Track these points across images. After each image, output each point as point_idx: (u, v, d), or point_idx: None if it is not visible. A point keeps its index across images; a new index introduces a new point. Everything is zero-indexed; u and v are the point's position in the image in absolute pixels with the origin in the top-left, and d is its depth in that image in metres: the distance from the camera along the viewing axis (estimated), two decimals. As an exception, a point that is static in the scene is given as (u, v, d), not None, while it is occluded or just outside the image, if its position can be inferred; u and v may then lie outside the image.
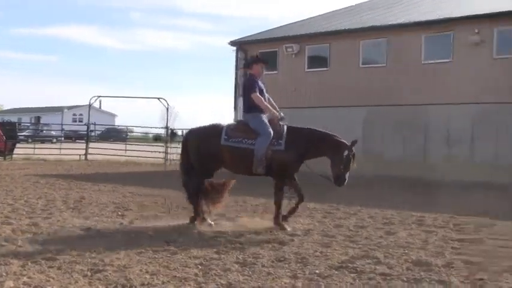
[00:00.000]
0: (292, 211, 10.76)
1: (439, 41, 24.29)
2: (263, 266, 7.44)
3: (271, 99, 10.97)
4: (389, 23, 26.14)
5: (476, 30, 22.96)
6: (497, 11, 23.10)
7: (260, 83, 10.83)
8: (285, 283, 6.62)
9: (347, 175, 10.37)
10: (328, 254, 8.31)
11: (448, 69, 23.83)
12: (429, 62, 24.43)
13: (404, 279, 6.96)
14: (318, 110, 26.89)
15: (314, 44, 28.27)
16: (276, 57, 29.19)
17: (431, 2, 28.65)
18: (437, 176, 22.08)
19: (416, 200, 15.85)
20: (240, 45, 30.85)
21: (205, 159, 10.70)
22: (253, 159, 10.38)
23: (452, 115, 23.48)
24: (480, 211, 13.56)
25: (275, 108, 10.76)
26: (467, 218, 12.50)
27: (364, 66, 26.53)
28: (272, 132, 10.42)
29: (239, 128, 10.71)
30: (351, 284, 6.70)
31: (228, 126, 10.81)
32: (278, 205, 10.60)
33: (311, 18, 32.88)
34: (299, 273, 7.08)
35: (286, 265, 7.53)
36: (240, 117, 11.92)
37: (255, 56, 11.40)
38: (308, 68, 28.41)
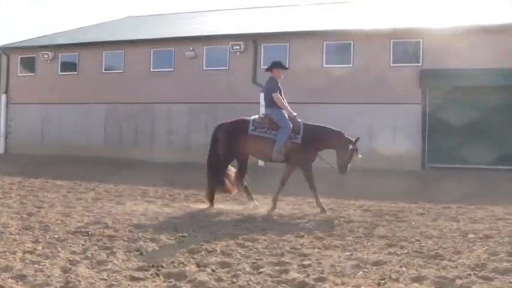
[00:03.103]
0: (317, 200, 10.20)
1: (164, 54, 24.65)
2: (11, 234, 7.08)
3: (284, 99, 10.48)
4: (126, 38, 26.02)
5: (191, 48, 23.70)
6: (207, 34, 24.11)
7: (279, 84, 10.41)
8: (28, 247, 6.38)
9: (349, 165, 10.20)
10: (67, 221, 8.13)
11: (171, 76, 24.28)
12: (156, 70, 24.71)
13: (126, 239, 7.04)
14: (69, 105, 26.09)
15: (66, 52, 27.20)
16: (34, 61, 27.72)
17: (159, 24, 29.00)
18: (162, 158, 22.47)
19: (146, 177, 15.90)
20: (4, 50, 28.72)
21: (235, 147, 10.18)
22: (274, 147, 10.00)
23: (172, 112, 24.06)
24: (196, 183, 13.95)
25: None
26: (183, 191, 12.84)
27: (106, 72, 26.08)
28: (291, 126, 10.06)
29: (264, 120, 10.21)
30: (83, 244, 6.64)
31: (255, 119, 10.31)
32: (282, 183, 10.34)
33: (65, 31, 31.51)
34: (40, 239, 6.87)
35: (31, 232, 7.25)
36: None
37: (276, 62, 10.69)
38: (61, 71, 27.29)
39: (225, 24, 26.36)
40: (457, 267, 5.84)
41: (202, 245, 6.73)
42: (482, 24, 19.92)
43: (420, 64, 20.82)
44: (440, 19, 21.32)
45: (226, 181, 10.44)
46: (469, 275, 5.49)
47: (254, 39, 22.77)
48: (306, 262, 5.98)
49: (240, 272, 5.49)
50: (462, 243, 7.12)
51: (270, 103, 10.37)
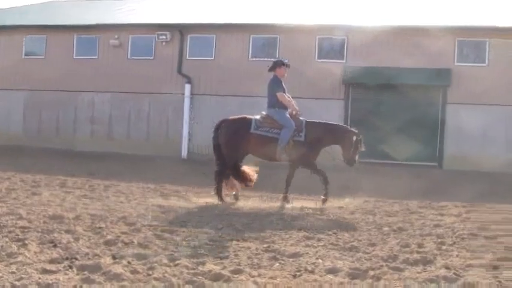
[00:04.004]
0: (325, 195, 10.39)
1: (88, 41, 23.99)
2: None
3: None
4: (49, 23, 25.03)
5: (116, 36, 23.21)
6: (133, 22, 23.68)
7: (283, 83, 10.16)
8: None
9: (357, 157, 10.16)
10: (-28, 213, 7.78)
11: (94, 64, 23.70)
12: (79, 57, 24.03)
13: (39, 230, 6.80)
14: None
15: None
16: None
17: (83, 10, 28.10)
18: (84, 147, 22.02)
19: (66, 167, 15.54)
20: None
21: (235, 145, 9.91)
22: (277, 147, 9.79)
23: (95, 100, 23.51)
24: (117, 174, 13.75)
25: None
26: (103, 181, 12.60)
27: (26, 57, 25.10)
28: (294, 125, 9.87)
29: (266, 120, 10.01)
30: (-10, 237, 6.35)
31: (256, 118, 10.14)
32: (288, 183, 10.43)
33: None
34: None
35: None
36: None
37: (280, 61, 10.43)
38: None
39: (152, 13, 25.96)
40: (371, 258, 6.02)
41: (119, 236, 6.61)
42: (406, 25, 20.58)
43: (344, 61, 21.27)
44: (366, 18, 21.81)
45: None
46: (382, 266, 5.66)
47: (180, 30, 22.56)
48: (223, 254, 5.99)
49: (156, 264, 5.42)
50: (377, 236, 7.35)
51: (274, 103, 10.17)
